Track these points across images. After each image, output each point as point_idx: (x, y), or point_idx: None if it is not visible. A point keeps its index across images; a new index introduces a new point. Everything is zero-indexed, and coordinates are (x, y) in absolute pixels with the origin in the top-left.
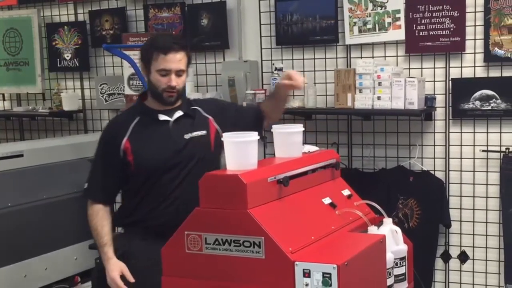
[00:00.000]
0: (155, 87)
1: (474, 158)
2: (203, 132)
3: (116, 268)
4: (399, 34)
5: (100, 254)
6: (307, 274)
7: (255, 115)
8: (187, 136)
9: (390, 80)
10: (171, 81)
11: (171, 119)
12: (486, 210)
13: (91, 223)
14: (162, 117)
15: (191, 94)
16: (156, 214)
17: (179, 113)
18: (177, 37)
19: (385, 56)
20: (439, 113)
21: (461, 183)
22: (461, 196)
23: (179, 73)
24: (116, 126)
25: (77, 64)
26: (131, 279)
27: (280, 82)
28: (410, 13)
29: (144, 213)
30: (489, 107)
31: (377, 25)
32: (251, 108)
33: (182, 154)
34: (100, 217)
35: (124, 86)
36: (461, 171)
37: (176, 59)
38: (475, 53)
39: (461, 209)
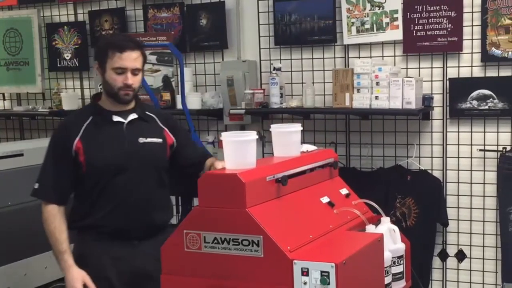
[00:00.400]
0: (111, 86)
1: (471, 157)
2: (159, 140)
3: (78, 277)
4: (397, 34)
5: (58, 261)
6: (305, 272)
7: (192, 160)
8: (141, 140)
9: (388, 80)
10: (127, 80)
11: (125, 121)
12: (483, 209)
13: (48, 227)
14: (116, 118)
15: (190, 93)
16: (108, 220)
17: (133, 116)
18: (132, 37)
19: (383, 56)
20: (437, 112)
21: (458, 182)
22: (458, 195)
23: (135, 71)
24: (68, 126)
25: (77, 64)
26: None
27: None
28: (408, 13)
29: (98, 218)
30: (486, 107)
31: (375, 25)
32: (196, 151)
33: (135, 158)
34: (58, 222)
35: None
36: (458, 170)
37: (132, 58)
38: (472, 53)
39: (458, 208)
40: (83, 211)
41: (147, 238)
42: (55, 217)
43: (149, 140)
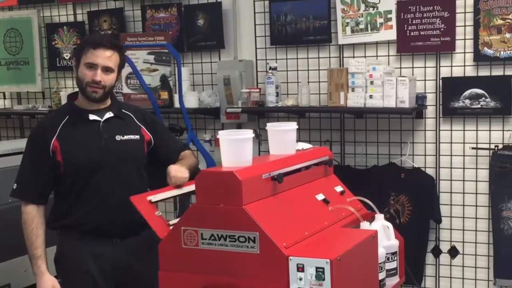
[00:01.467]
0: (80, 81)
1: (464, 155)
2: (136, 137)
3: (48, 285)
4: (391, 34)
5: (32, 265)
6: (300, 268)
7: (170, 155)
8: (118, 138)
9: (382, 79)
10: (96, 76)
11: (101, 119)
12: (476, 206)
13: (25, 230)
14: (92, 116)
15: (187, 92)
16: (89, 218)
17: (109, 114)
18: (112, 37)
19: (377, 56)
20: (430, 111)
21: (451, 180)
22: (451, 192)
23: (106, 69)
24: (45, 126)
25: None
26: None
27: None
28: (402, 14)
29: (78, 217)
30: (479, 106)
31: (369, 25)
32: (174, 147)
33: (112, 155)
34: (35, 225)
35: (122, 85)
36: (451, 168)
37: (105, 55)
38: (465, 52)
39: (451, 205)
40: (63, 210)
41: (128, 235)
42: (33, 220)
43: (126, 137)
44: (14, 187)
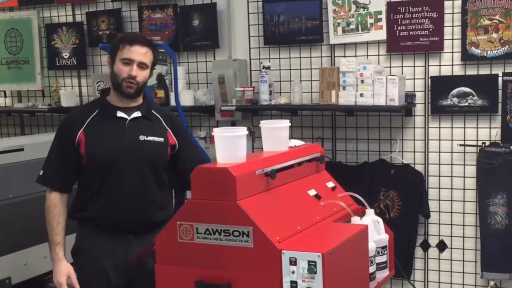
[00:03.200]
0: (116, 77)
1: (452, 152)
2: (161, 139)
3: (64, 272)
4: (381, 34)
5: (50, 250)
6: (293, 262)
7: (189, 168)
8: (142, 138)
9: (372, 78)
10: (132, 71)
11: (128, 118)
12: (464, 201)
13: (48, 216)
14: (120, 114)
15: (183, 91)
16: (106, 213)
17: (137, 114)
18: (145, 36)
19: (367, 55)
20: (419, 109)
21: (439, 176)
22: (439, 188)
23: (141, 65)
24: (74, 118)
25: (75, 63)
26: (76, 285)
27: None
28: (391, 14)
29: (95, 210)
30: (466, 104)
31: (359, 26)
32: (195, 159)
33: (133, 154)
34: (58, 213)
35: None
36: (439, 164)
37: (140, 52)
38: (453, 52)
39: (439, 200)
40: (83, 202)
41: (143, 233)
42: (55, 207)
43: (149, 138)
44: (40, 174)
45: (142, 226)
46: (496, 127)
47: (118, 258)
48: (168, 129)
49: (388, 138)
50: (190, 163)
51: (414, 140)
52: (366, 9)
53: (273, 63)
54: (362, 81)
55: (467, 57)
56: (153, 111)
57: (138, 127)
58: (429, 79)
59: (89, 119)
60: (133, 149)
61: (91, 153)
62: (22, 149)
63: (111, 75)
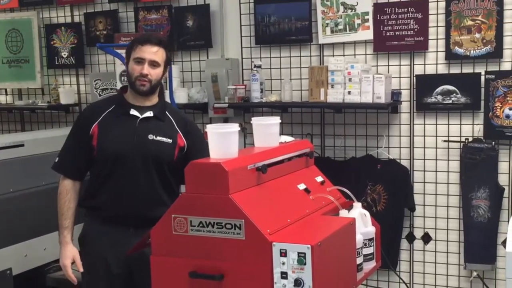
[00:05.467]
0: (130, 76)
1: (436, 148)
2: (169, 141)
3: (69, 255)
4: (368, 34)
5: (59, 234)
6: (283, 253)
7: None
8: (150, 137)
9: (359, 76)
10: (143, 69)
11: (140, 116)
12: (447, 195)
13: (59, 201)
14: (133, 112)
15: (177, 89)
16: (112, 205)
17: (149, 114)
18: (158, 35)
19: (355, 54)
20: (404, 106)
21: (424, 171)
22: (424, 182)
23: (153, 63)
24: (92, 110)
25: (73, 62)
26: (80, 268)
27: None
28: (378, 15)
29: (103, 201)
30: (450, 101)
31: (347, 26)
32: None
33: (140, 152)
34: (69, 198)
35: (116, 82)
36: (424, 159)
37: (152, 51)
38: (437, 51)
39: (424, 194)
40: (92, 190)
41: (144, 227)
42: (67, 193)
43: (158, 138)
44: (56, 161)
45: (143, 221)
46: (478, 124)
47: (119, 249)
48: (180, 131)
49: (375, 134)
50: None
51: (400, 136)
52: (353, 10)
53: (264, 62)
54: (350, 80)
55: (451, 56)
56: (167, 112)
57: (148, 126)
58: (414, 78)
59: (105, 113)
60: (140, 147)
61: (101, 146)
62: (22, 145)
63: (126, 74)
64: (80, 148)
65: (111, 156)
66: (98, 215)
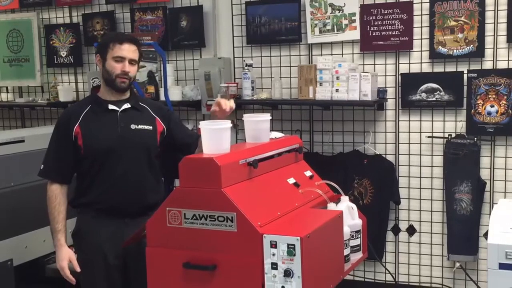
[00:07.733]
0: (110, 74)
1: (420, 143)
2: (150, 127)
3: (65, 257)
4: (355, 34)
5: (52, 237)
6: (274, 245)
7: (184, 140)
8: (133, 127)
9: (346, 75)
10: (125, 67)
11: (119, 109)
12: (431, 189)
13: (49, 206)
14: (111, 106)
15: (171, 87)
16: (104, 197)
17: (127, 105)
18: (130, 35)
19: (342, 54)
20: (390, 103)
21: (409, 165)
22: (409, 176)
23: (131, 61)
24: (69, 114)
25: (72, 61)
26: (77, 269)
27: (212, 109)
28: (365, 16)
29: (95, 195)
30: (434, 99)
31: (335, 27)
32: (187, 133)
33: (127, 141)
34: (58, 203)
35: None
36: (409, 154)
37: (130, 49)
38: (421, 51)
39: (409, 188)
40: (83, 189)
41: (139, 215)
42: (56, 197)
43: (140, 127)
44: (41, 168)
45: (137, 208)
46: (461, 120)
47: (116, 240)
48: (157, 117)
49: (362, 131)
50: (189, 137)
51: (386, 132)
52: (341, 11)
53: (255, 61)
54: (338, 78)
55: (434, 56)
56: (140, 103)
57: (128, 117)
58: (400, 76)
59: (83, 114)
60: (126, 137)
61: (89, 143)
62: (22, 141)
63: (103, 72)
64: (65, 152)
65: (100, 151)
66: (91, 210)
